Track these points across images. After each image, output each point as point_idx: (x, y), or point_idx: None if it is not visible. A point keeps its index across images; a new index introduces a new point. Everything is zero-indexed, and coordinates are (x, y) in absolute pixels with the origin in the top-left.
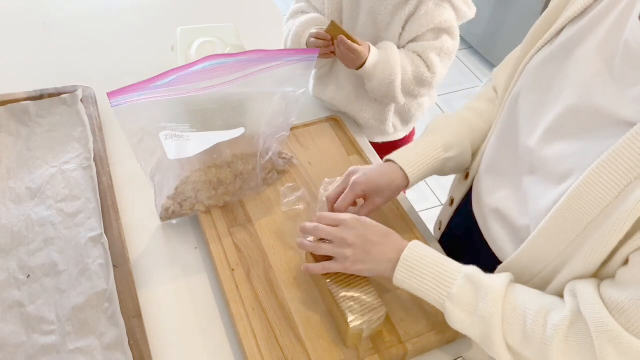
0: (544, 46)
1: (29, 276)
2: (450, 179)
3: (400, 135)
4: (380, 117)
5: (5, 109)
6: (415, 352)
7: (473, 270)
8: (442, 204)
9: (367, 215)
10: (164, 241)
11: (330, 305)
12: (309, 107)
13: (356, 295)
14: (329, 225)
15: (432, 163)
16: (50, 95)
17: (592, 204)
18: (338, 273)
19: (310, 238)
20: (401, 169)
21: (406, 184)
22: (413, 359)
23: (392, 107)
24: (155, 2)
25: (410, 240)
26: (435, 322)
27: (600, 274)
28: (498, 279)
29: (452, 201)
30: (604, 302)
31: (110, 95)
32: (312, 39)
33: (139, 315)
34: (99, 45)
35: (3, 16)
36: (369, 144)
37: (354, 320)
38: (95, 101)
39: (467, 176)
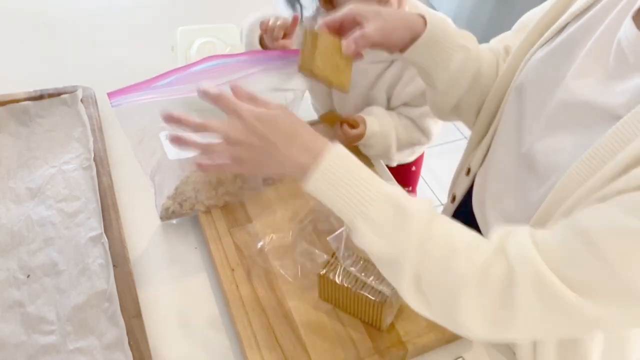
0: (546, 42)
1: (29, 276)
2: (449, 177)
3: (407, 160)
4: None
5: (5, 109)
6: (415, 352)
7: (397, 192)
8: (443, 204)
9: (362, 46)
10: (164, 241)
11: (353, 307)
12: (309, 107)
13: (370, 283)
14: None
15: (449, 38)
16: (50, 96)
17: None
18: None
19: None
20: (423, 18)
21: (420, 32)
22: (413, 359)
23: None
24: (155, 2)
25: None
26: (435, 322)
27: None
28: (423, 208)
29: (453, 198)
30: (534, 243)
31: (110, 95)
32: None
33: (139, 315)
34: (99, 45)
35: (3, 16)
36: None
37: (383, 297)
38: (95, 101)
39: (468, 172)
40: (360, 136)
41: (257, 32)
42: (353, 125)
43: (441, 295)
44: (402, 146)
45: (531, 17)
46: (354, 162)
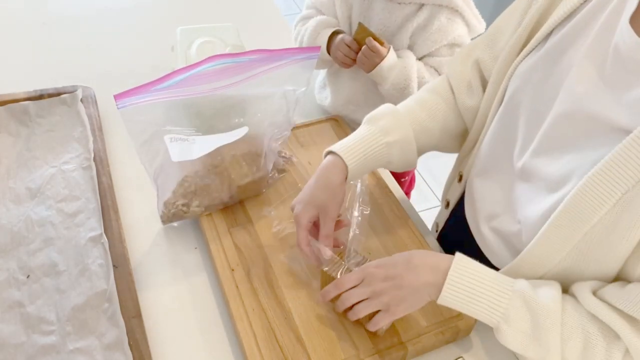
0: (532, 50)
1: (28, 276)
2: (444, 175)
3: None
4: None
5: (5, 109)
6: (415, 352)
7: (524, 287)
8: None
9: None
10: (164, 241)
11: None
12: (309, 107)
13: None
14: (351, 287)
15: (373, 150)
16: (50, 95)
17: (590, 211)
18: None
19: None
20: (341, 159)
21: (345, 177)
22: (413, 359)
23: None
24: (155, 2)
25: (410, 238)
26: (435, 322)
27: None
28: (551, 297)
29: (447, 204)
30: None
31: (116, 97)
32: (340, 53)
33: (139, 315)
34: (99, 45)
35: (3, 16)
36: None
37: None
38: (95, 101)
39: (460, 178)
40: (379, 52)
41: (322, 36)
42: (380, 43)
43: None
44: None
45: (501, 26)
46: (477, 268)
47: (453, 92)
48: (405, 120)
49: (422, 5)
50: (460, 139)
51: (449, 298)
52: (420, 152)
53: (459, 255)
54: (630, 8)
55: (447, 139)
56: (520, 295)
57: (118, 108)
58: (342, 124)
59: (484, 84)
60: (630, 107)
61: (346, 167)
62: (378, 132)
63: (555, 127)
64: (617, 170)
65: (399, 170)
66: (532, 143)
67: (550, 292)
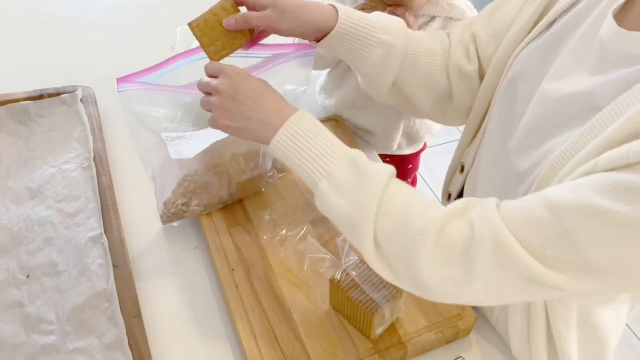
0: (534, 39)
1: (28, 276)
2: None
3: (405, 152)
4: (387, 138)
5: (5, 109)
6: (415, 352)
7: (359, 155)
8: (440, 200)
9: (241, 25)
10: (164, 241)
11: (350, 310)
12: (310, 107)
13: (365, 290)
14: (211, 75)
15: (365, 34)
16: (50, 95)
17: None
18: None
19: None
20: (336, 11)
21: (329, 27)
22: (413, 359)
23: (401, 130)
24: (155, 2)
25: None
26: (435, 322)
27: None
28: (383, 169)
29: (449, 196)
30: (497, 208)
31: (119, 80)
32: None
33: (139, 315)
34: (99, 45)
35: (3, 16)
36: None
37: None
38: (95, 101)
39: (462, 169)
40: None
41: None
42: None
43: (400, 253)
44: None
45: (500, 5)
46: (319, 125)
47: (450, 45)
48: (408, 37)
49: (434, 17)
50: (435, 98)
51: (280, 141)
52: (393, 87)
53: (304, 111)
54: (618, 1)
55: (427, 91)
56: (349, 159)
57: (119, 92)
58: (343, 124)
59: (479, 55)
60: (606, 89)
61: (335, 24)
62: (380, 27)
63: (537, 113)
64: (582, 147)
65: (366, 88)
66: (519, 130)
67: (384, 167)
